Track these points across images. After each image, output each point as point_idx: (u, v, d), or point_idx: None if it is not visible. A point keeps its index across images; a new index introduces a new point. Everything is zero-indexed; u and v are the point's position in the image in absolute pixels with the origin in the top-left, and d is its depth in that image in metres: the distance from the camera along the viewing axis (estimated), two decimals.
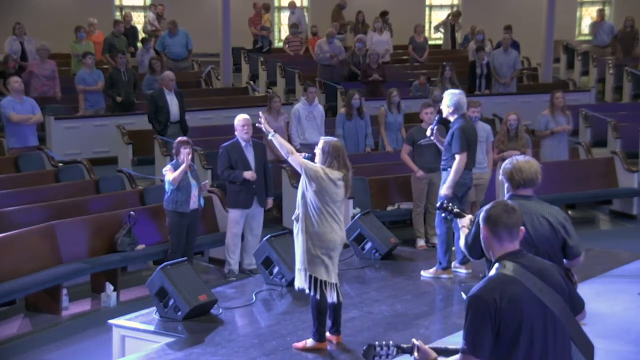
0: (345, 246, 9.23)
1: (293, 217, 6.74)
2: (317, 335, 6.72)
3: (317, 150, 6.69)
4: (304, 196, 6.61)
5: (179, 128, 12.97)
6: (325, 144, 6.66)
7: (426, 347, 4.08)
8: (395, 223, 11.59)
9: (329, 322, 6.80)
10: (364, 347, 4.10)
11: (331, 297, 6.65)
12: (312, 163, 6.65)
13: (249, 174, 9.66)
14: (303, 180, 6.63)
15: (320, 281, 6.61)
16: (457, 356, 3.92)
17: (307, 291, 6.66)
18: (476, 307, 3.86)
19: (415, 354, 4.07)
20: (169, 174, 9.19)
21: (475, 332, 3.84)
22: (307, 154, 6.87)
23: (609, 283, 8.35)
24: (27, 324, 8.70)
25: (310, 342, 6.74)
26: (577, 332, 4.08)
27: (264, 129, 7.02)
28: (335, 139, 6.87)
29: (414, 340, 4.12)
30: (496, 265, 4.01)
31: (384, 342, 4.08)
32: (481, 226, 4.10)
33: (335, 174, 6.58)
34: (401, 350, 4.11)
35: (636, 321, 7.37)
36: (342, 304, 6.85)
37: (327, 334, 6.81)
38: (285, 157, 6.78)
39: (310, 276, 6.61)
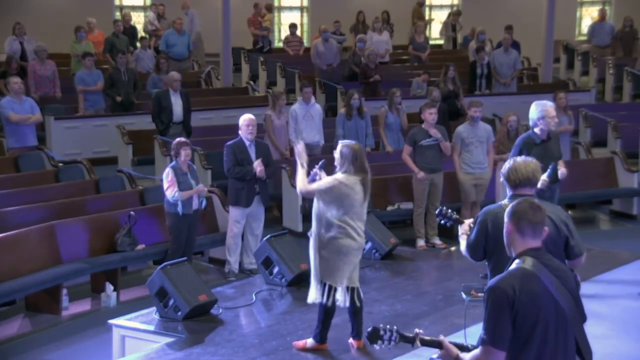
0: None
1: (309, 233, 6.74)
2: (318, 337, 6.72)
3: (336, 155, 6.69)
4: (318, 213, 6.61)
5: (182, 128, 12.99)
6: (344, 147, 6.65)
7: (449, 344, 4.08)
8: (395, 223, 11.59)
9: (350, 326, 6.78)
10: (369, 329, 4.12)
11: (344, 302, 6.61)
12: (322, 181, 6.60)
13: (256, 165, 9.63)
14: (318, 199, 6.63)
15: (331, 286, 6.60)
16: (477, 350, 3.93)
17: (319, 299, 6.65)
18: (495, 297, 3.88)
19: (440, 351, 4.10)
20: (174, 191, 9.15)
21: (495, 323, 3.86)
22: (314, 172, 6.80)
23: (609, 283, 8.35)
24: (27, 324, 8.69)
25: (310, 342, 6.75)
26: (582, 336, 4.11)
27: (297, 157, 6.83)
28: (354, 142, 6.86)
29: (417, 330, 4.13)
30: (517, 260, 4.04)
31: (388, 327, 4.10)
32: (506, 221, 4.12)
33: (352, 179, 6.58)
34: (403, 339, 4.12)
35: (636, 321, 7.37)
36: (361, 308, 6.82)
37: (350, 339, 6.79)
38: (301, 193, 6.77)
39: (325, 284, 6.61)
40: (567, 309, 3.98)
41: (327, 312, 6.67)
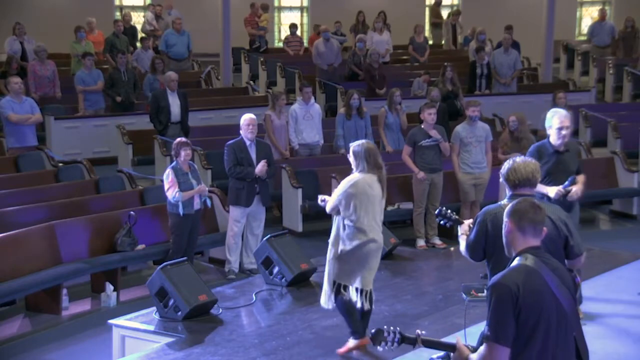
0: None
1: (329, 240, 6.72)
2: (356, 334, 6.65)
3: (350, 157, 6.71)
4: (338, 220, 6.62)
5: (180, 129, 12.97)
6: (355, 147, 6.68)
7: (462, 345, 4.08)
8: (395, 223, 11.58)
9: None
10: (373, 331, 4.13)
11: (358, 302, 6.58)
12: (338, 189, 6.61)
13: (258, 169, 9.67)
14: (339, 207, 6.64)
15: (343, 285, 6.57)
16: (482, 348, 3.92)
17: (331, 301, 6.63)
18: (499, 294, 3.89)
19: (451, 354, 4.10)
20: (175, 191, 9.17)
21: (499, 320, 3.86)
22: (323, 201, 6.86)
23: (609, 283, 8.35)
24: (27, 324, 8.69)
25: (351, 342, 6.68)
26: (580, 336, 4.11)
27: (320, 201, 6.95)
28: (366, 140, 6.88)
29: (418, 331, 4.12)
30: (517, 258, 4.04)
31: (391, 328, 4.10)
32: (505, 221, 4.13)
33: (368, 178, 6.59)
34: (404, 340, 4.11)
35: (636, 321, 7.37)
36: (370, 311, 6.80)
37: (351, 339, 6.78)
38: (330, 212, 6.77)
39: (334, 282, 6.60)
40: (568, 307, 3.99)
41: (348, 308, 6.62)
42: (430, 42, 22.39)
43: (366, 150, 6.64)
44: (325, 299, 6.72)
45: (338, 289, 6.61)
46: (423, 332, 4.15)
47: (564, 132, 7.25)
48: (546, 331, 3.90)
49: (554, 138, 7.31)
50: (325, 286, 6.71)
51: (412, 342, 4.11)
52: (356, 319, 6.67)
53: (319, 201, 6.95)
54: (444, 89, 14.16)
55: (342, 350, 6.70)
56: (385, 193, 6.74)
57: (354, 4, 22.22)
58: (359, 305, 6.63)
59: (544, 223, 4.14)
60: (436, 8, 22.21)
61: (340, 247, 6.59)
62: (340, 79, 17.21)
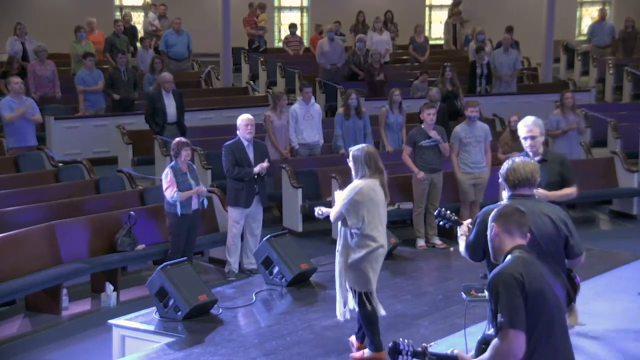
0: None
1: (336, 250, 6.65)
2: (373, 345, 6.56)
3: (350, 163, 6.63)
4: (344, 228, 6.54)
5: (177, 129, 12.95)
6: (355, 151, 6.59)
7: (464, 356, 4.09)
8: (395, 223, 11.57)
9: (357, 326, 6.72)
10: (390, 344, 4.14)
11: (368, 306, 6.51)
12: (343, 201, 6.50)
13: (257, 168, 9.66)
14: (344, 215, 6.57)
15: (365, 293, 6.51)
16: (495, 340, 3.91)
17: (356, 309, 6.57)
18: (505, 282, 3.90)
19: None
20: (173, 191, 9.18)
21: (510, 306, 3.86)
22: (321, 213, 6.84)
23: (609, 283, 8.35)
24: (27, 324, 8.69)
25: (367, 352, 6.62)
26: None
27: (318, 213, 6.93)
28: (366, 144, 6.80)
29: (424, 344, 4.14)
30: (510, 254, 4.06)
31: (405, 341, 4.11)
32: (492, 225, 4.14)
33: (371, 183, 6.50)
34: (415, 355, 4.10)
35: (636, 321, 7.37)
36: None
37: (353, 337, 6.76)
38: (334, 221, 6.71)
39: (355, 291, 6.53)
40: (561, 296, 4.02)
41: (370, 318, 6.54)
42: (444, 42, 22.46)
43: (366, 154, 6.54)
44: (341, 311, 6.64)
45: (360, 298, 6.51)
46: (431, 344, 4.16)
47: (529, 141, 6.70)
48: (551, 318, 3.92)
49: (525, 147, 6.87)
50: (339, 297, 6.62)
51: (420, 356, 4.10)
52: (378, 331, 6.58)
53: (316, 214, 6.89)
54: (443, 89, 14.16)
55: (356, 355, 6.64)
56: (388, 197, 6.65)
57: (354, 4, 22.23)
58: (378, 309, 6.55)
59: (528, 228, 4.17)
60: (455, 8, 22.22)
61: (351, 255, 6.48)
62: (342, 79, 17.21)
